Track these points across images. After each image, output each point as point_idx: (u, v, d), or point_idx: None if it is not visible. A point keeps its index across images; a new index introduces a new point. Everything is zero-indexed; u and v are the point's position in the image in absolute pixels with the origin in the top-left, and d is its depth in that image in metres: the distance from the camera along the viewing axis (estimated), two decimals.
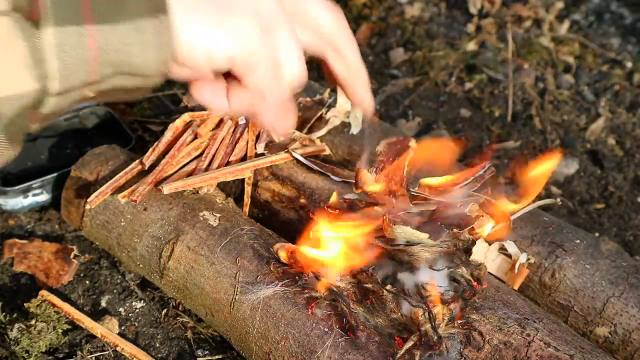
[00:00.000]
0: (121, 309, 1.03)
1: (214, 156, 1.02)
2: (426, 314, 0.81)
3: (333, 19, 0.72)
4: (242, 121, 1.02)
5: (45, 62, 0.54)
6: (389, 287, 0.85)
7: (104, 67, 0.59)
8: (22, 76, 0.53)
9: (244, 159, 1.04)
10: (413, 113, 1.44)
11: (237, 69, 0.67)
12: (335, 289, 0.85)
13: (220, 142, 1.03)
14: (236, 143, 1.03)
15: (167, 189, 0.95)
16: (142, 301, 1.04)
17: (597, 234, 1.19)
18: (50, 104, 0.56)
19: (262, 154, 1.04)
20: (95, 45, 0.57)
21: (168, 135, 1.03)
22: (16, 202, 1.15)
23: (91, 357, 0.95)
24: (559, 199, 1.23)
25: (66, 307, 0.99)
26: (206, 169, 1.01)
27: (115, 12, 0.57)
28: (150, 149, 1.02)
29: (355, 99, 0.77)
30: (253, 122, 1.03)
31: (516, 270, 0.94)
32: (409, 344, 0.81)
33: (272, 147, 1.06)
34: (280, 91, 0.72)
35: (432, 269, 0.84)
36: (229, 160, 1.02)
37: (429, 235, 0.82)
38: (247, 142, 1.03)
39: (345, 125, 1.13)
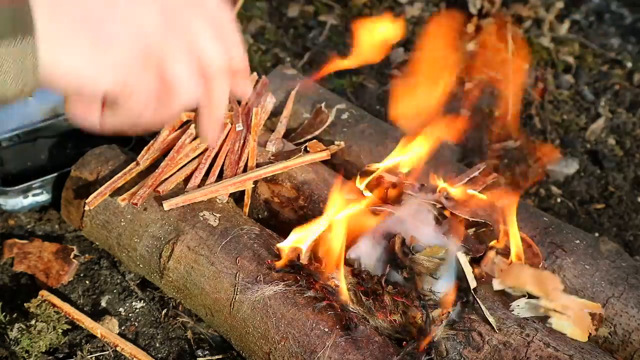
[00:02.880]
0: (121, 309, 1.03)
1: (214, 159, 1.02)
2: (424, 317, 0.82)
3: (218, 54, 0.68)
4: (239, 127, 1.02)
5: None
6: (389, 288, 0.85)
7: None
8: None
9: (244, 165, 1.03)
10: None
11: (110, 96, 0.64)
12: (334, 289, 0.86)
13: (222, 145, 1.03)
14: (242, 148, 1.03)
15: (167, 205, 0.96)
16: (142, 301, 1.04)
17: (597, 234, 1.19)
18: None
19: (269, 161, 1.04)
20: None
21: (164, 134, 1.03)
22: (16, 202, 1.15)
23: (91, 357, 0.95)
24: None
25: (66, 307, 0.99)
26: (207, 171, 1.01)
27: None
28: (145, 148, 1.02)
29: (201, 131, 0.75)
30: (255, 127, 1.03)
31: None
32: (409, 346, 0.81)
33: (280, 154, 1.05)
34: (167, 114, 0.68)
35: (432, 277, 0.85)
36: (231, 160, 1.02)
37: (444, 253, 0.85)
38: (249, 145, 1.03)
39: (344, 125, 1.13)
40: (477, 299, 0.84)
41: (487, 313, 0.83)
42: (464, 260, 0.85)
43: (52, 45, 0.58)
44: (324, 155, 1.04)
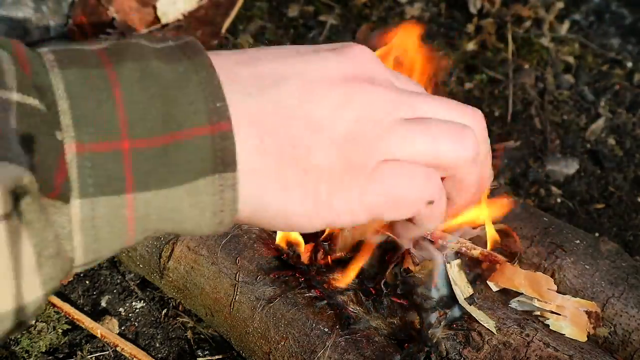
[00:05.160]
0: (121, 309, 1.03)
1: None
2: (421, 320, 0.82)
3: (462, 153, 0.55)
4: None
5: (58, 254, 0.42)
6: (389, 290, 0.85)
7: (144, 232, 0.47)
8: (27, 283, 0.39)
9: None
10: None
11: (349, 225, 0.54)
12: (334, 290, 0.86)
13: None
14: None
15: None
16: (142, 301, 1.04)
17: (597, 234, 1.19)
18: (73, 272, 0.46)
19: None
20: (134, 215, 0.45)
21: None
22: None
23: (91, 357, 0.95)
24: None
25: (66, 307, 0.99)
26: None
27: (165, 174, 0.45)
28: None
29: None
30: None
31: None
32: (410, 349, 0.81)
33: None
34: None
35: (426, 289, 0.85)
36: None
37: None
38: None
39: None
40: (473, 305, 0.84)
41: (482, 318, 0.83)
42: (452, 273, 0.85)
43: (256, 181, 0.48)
44: None
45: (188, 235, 0.49)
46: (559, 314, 0.84)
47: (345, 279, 0.87)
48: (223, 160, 0.46)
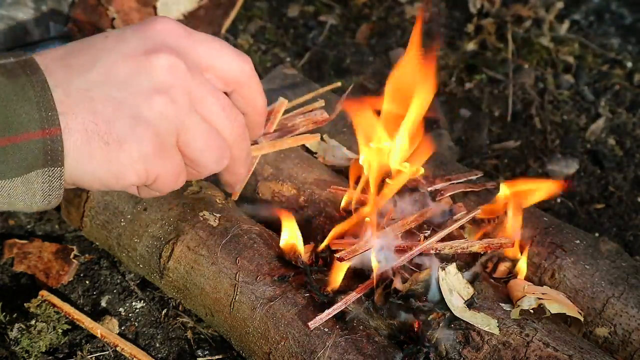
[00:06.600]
0: (121, 309, 1.03)
1: None
2: (419, 322, 0.82)
3: (240, 68, 0.72)
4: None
5: None
6: (387, 291, 0.85)
7: None
8: None
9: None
10: None
11: (139, 184, 0.68)
12: (331, 293, 0.86)
13: None
14: None
15: None
16: (142, 301, 1.04)
17: (597, 234, 1.19)
18: None
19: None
20: None
21: None
22: None
23: (91, 357, 0.95)
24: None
25: (66, 307, 0.99)
26: None
27: (3, 169, 0.56)
28: None
29: (227, 187, 0.86)
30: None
31: None
32: (410, 349, 0.81)
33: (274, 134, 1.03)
34: (198, 177, 0.74)
35: (424, 298, 0.85)
36: None
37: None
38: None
39: (344, 125, 1.13)
40: (472, 307, 0.84)
41: (481, 322, 0.83)
42: (448, 279, 0.85)
43: (72, 157, 0.60)
44: (316, 136, 1.01)
45: (19, 211, 0.66)
46: (549, 299, 0.85)
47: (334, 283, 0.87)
48: (52, 157, 0.57)
